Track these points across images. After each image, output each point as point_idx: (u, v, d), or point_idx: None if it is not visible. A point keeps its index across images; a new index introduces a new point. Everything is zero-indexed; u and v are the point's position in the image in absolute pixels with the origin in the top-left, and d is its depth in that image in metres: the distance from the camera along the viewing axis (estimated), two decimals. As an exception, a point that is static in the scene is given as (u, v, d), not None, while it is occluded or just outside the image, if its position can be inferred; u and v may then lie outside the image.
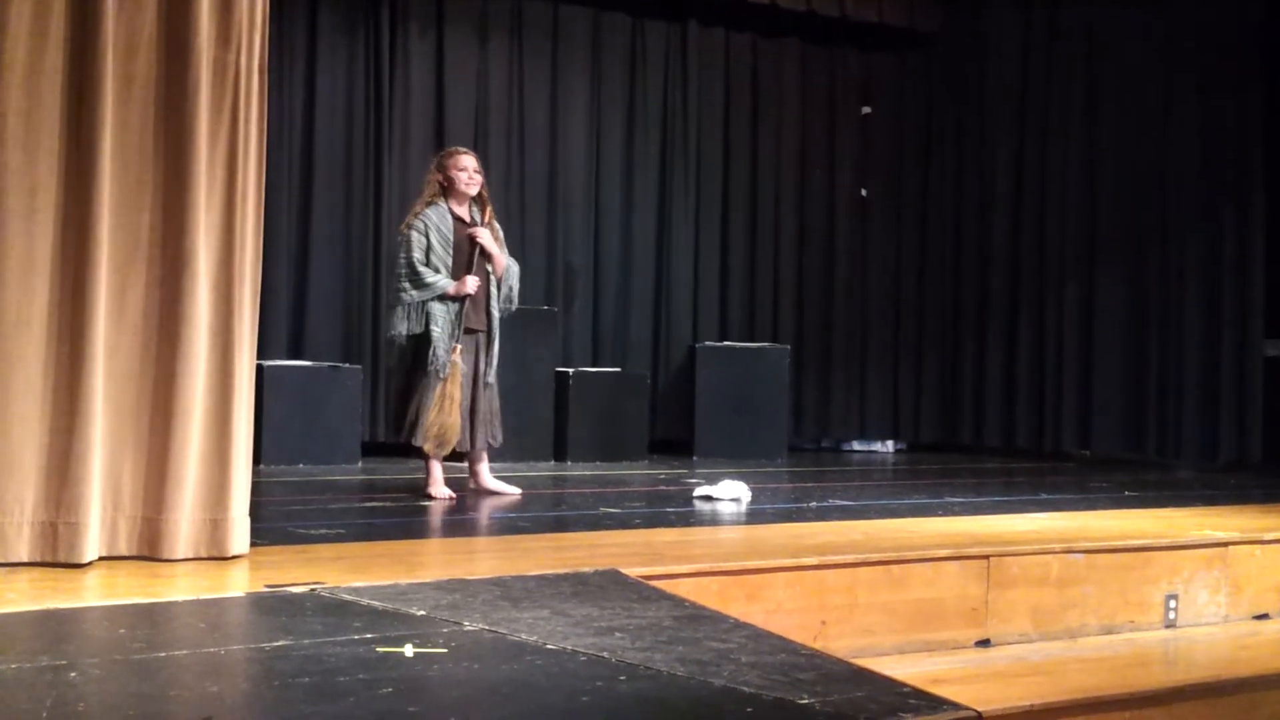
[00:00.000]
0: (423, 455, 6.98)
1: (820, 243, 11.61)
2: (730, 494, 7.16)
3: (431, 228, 6.98)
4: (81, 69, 4.55)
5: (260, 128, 4.89)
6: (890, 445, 11.72)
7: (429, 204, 7.06)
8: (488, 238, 7.06)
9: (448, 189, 7.08)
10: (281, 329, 9.43)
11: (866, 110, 11.77)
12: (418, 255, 6.93)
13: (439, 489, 6.99)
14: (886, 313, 11.77)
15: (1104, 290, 10.75)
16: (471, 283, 6.96)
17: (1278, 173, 10.17)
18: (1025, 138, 11.26)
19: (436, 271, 6.94)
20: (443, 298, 6.92)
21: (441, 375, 6.86)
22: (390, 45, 9.93)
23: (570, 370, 9.78)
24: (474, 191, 7.10)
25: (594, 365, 10.41)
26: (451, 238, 7.00)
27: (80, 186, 4.52)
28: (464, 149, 7.34)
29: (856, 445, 11.72)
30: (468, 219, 7.10)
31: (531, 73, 10.48)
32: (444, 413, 6.86)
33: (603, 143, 10.79)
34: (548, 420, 9.48)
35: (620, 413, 9.81)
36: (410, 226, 7.01)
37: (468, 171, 7.08)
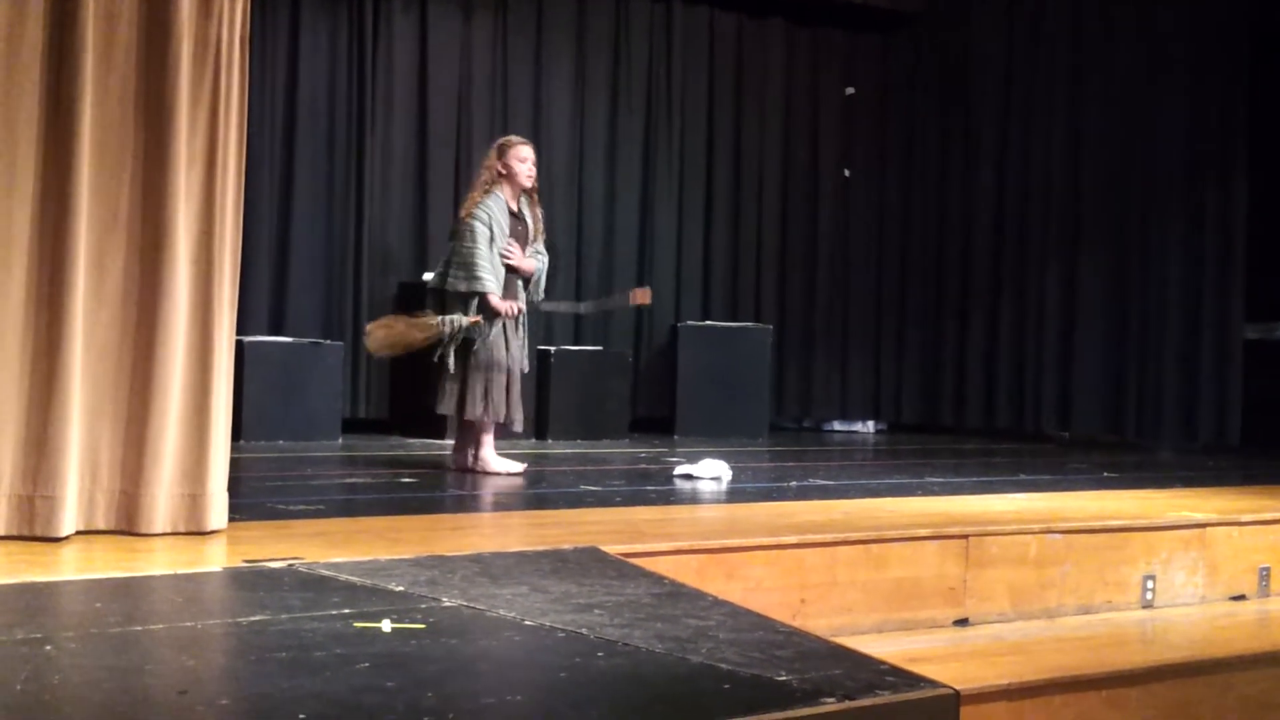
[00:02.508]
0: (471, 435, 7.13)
1: (803, 223, 11.61)
2: (711, 473, 7.16)
3: (494, 219, 6.98)
4: (61, 40, 4.51)
5: (242, 101, 4.87)
6: (871, 426, 11.74)
7: (487, 192, 7.04)
8: (532, 264, 7.12)
9: (504, 177, 7.07)
10: (262, 305, 9.40)
11: (850, 91, 11.76)
12: (481, 247, 6.92)
13: (505, 464, 7.08)
14: (869, 293, 11.78)
15: (1085, 272, 10.77)
16: (514, 308, 7.01)
17: (1261, 157, 10.19)
18: (1009, 120, 11.26)
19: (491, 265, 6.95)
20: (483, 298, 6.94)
21: (486, 352, 6.93)
22: (374, 20, 9.89)
23: (552, 349, 9.77)
24: (530, 184, 7.14)
25: (576, 344, 10.40)
26: (508, 230, 7.03)
27: (59, 159, 4.49)
28: (523, 139, 7.33)
29: (838, 425, 11.74)
30: (517, 209, 7.12)
31: (515, 50, 10.44)
32: (495, 387, 6.97)
33: (586, 120, 10.77)
34: (529, 398, 9.44)
35: (602, 391, 9.81)
36: (472, 216, 6.97)
37: (529, 163, 7.11)
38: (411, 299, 9.67)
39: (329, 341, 9.24)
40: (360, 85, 9.82)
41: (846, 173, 11.74)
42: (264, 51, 9.37)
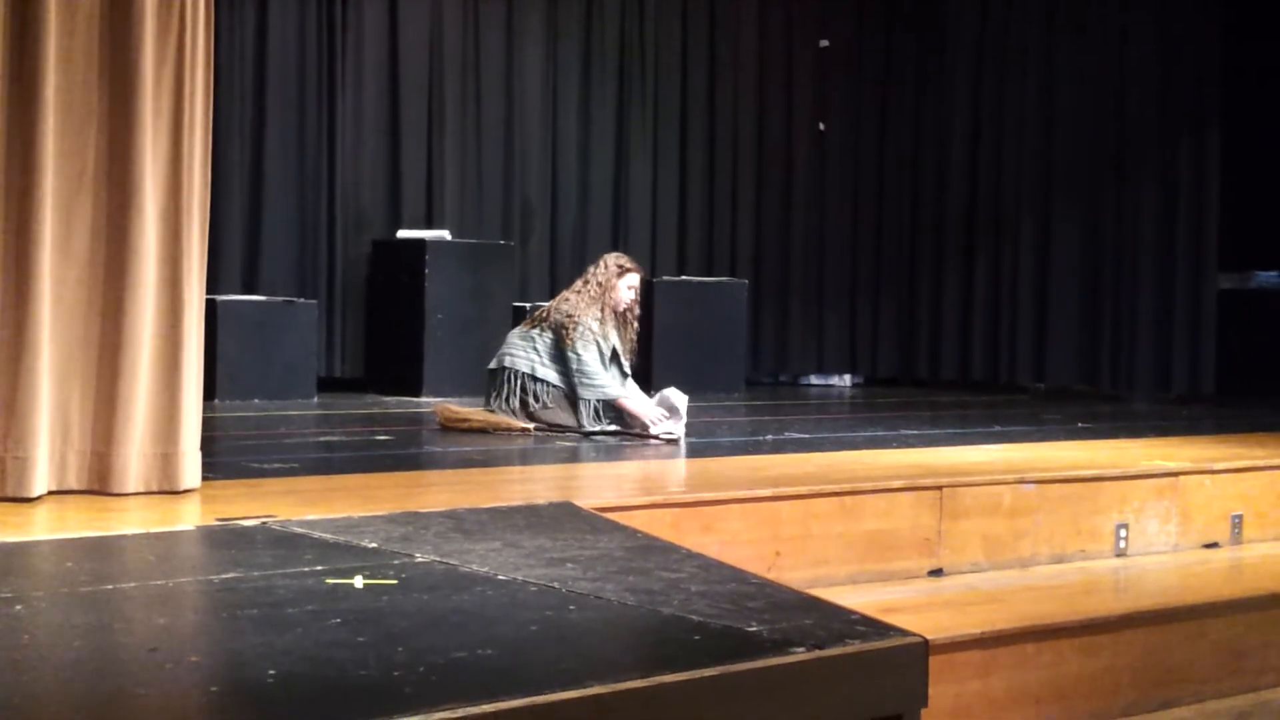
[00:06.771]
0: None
1: (778, 177, 11.58)
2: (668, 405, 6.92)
3: (602, 343, 6.88)
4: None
5: (208, 57, 4.82)
6: (847, 379, 11.75)
7: (599, 310, 6.90)
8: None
9: (605, 291, 6.94)
10: (235, 263, 9.33)
11: (824, 43, 11.71)
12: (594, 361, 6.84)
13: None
14: (844, 247, 11.76)
15: (1060, 223, 10.78)
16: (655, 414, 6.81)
17: (1234, 106, 10.20)
18: (983, 73, 11.24)
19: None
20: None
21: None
22: (343, -24, 9.79)
23: (527, 304, 9.73)
24: (624, 309, 7.01)
25: (551, 299, 10.35)
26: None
27: (23, 116, 4.44)
28: (639, 267, 7.19)
29: (814, 379, 11.74)
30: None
31: (486, 6, 10.35)
32: None
33: (559, 75, 10.69)
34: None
35: (577, 347, 9.78)
36: (590, 330, 6.84)
37: (635, 291, 7.00)
38: (385, 257, 9.66)
39: (303, 300, 9.19)
40: (330, 42, 9.71)
41: (821, 126, 11.70)
42: (231, 8, 9.27)
